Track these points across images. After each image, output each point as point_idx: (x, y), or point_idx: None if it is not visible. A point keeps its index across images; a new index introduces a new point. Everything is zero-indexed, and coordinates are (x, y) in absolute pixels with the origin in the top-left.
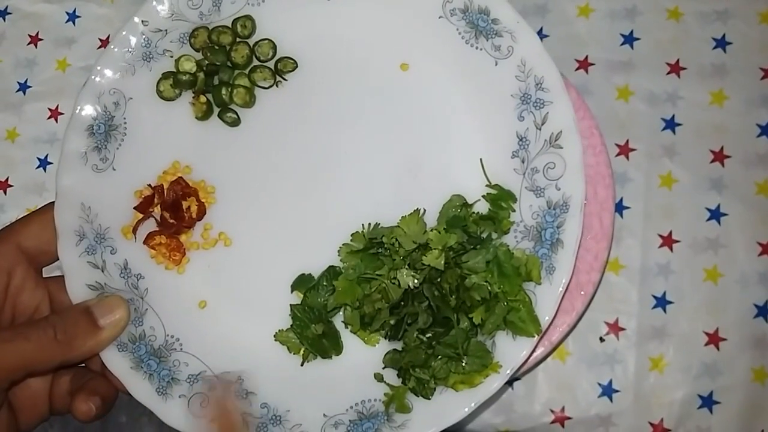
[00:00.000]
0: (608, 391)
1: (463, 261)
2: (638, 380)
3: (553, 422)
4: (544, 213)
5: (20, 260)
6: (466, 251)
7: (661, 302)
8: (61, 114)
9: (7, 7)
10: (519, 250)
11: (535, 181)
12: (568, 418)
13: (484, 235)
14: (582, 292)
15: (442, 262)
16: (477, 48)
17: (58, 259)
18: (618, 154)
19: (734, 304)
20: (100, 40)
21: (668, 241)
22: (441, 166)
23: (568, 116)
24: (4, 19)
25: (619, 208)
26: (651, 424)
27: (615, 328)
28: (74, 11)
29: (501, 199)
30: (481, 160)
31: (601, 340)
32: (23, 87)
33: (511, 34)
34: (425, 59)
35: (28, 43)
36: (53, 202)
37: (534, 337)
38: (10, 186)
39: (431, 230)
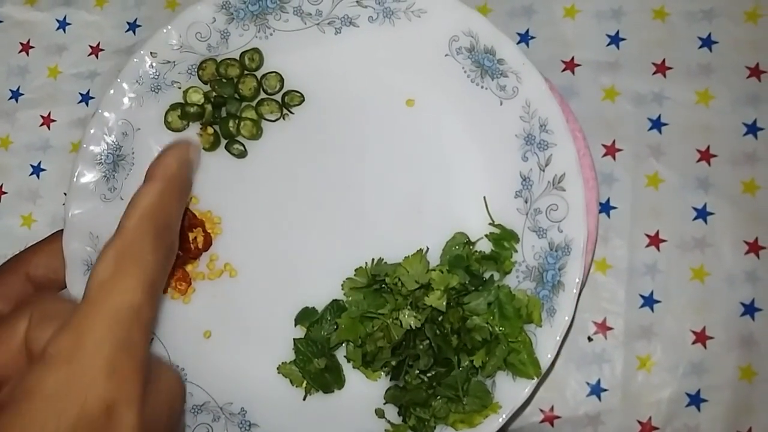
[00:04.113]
0: (597, 390)
1: (464, 302)
2: (626, 379)
3: (542, 421)
4: (546, 254)
5: (28, 289)
6: (468, 292)
7: (649, 301)
8: (54, 121)
9: None
10: (520, 292)
11: (538, 222)
12: (557, 417)
13: (487, 275)
14: None
15: (444, 302)
16: (482, 87)
17: (65, 287)
18: (605, 155)
19: (721, 303)
20: (91, 47)
21: (655, 240)
22: (444, 203)
23: (571, 159)
24: None
25: (606, 208)
26: (639, 423)
27: (603, 327)
28: (64, 18)
29: (504, 238)
30: (484, 198)
31: (589, 339)
32: (15, 95)
33: (516, 74)
34: (431, 96)
35: (20, 51)
36: (61, 231)
37: (534, 379)
38: (5, 193)
39: (434, 269)
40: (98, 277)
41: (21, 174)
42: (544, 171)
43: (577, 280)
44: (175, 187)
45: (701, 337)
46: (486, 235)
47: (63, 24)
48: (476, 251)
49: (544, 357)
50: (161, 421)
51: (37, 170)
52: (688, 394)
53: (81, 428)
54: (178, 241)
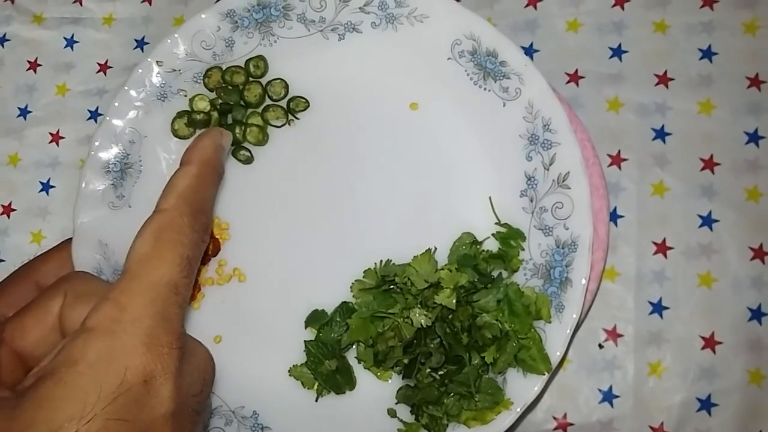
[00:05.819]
0: (609, 396)
1: (474, 300)
2: (637, 385)
3: (555, 429)
4: (553, 252)
5: None
6: (477, 290)
7: (657, 308)
8: (62, 138)
9: (5, 34)
10: (529, 289)
11: (544, 220)
12: (571, 424)
13: (495, 274)
14: None
15: (454, 300)
16: (485, 89)
17: None
18: (610, 165)
19: (728, 308)
20: (99, 64)
21: (662, 248)
22: (450, 204)
23: (575, 157)
24: (3, 46)
25: (614, 217)
26: (651, 428)
27: (613, 334)
28: (72, 36)
29: (510, 237)
30: (490, 198)
31: (600, 346)
32: (24, 112)
33: (518, 76)
34: (434, 99)
35: (27, 69)
36: (71, 239)
37: (544, 374)
38: (14, 210)
39: (442, 269)
40: (137, 254)
41: (30, 191)
42: (548, 170)
43: (584, 276)
44: (211, 170)
45: (710, 343)
46: (493, 235)
47: (71, 42)
48: (483, 250)
49: (554, 353)
50: (194, 395)
51: (46, 187)
52: (698, 399)
53: (121, 397)
54: (211, 224)
